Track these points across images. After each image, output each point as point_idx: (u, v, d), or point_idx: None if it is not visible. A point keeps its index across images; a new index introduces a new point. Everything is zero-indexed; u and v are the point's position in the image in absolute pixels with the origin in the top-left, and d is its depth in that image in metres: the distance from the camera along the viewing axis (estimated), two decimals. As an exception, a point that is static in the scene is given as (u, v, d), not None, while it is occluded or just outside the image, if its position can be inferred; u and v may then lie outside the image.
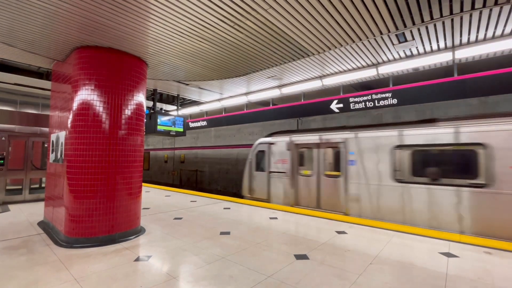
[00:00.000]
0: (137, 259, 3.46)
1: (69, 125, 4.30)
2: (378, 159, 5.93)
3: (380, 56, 5.44)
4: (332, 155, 6.93)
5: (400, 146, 5.69)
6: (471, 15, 3.96)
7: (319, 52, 4.64)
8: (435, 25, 4.24)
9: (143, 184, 10.02)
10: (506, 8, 3.80)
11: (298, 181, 7.40)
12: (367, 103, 7.23)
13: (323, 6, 3.27)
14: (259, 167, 8.42)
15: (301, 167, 7.46)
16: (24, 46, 4.32)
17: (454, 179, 5.10)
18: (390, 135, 5.86)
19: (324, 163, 6.99)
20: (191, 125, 13.41)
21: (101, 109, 4.21)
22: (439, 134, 5.26)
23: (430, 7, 3.50)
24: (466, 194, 4.83)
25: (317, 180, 7.03)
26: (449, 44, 4.99)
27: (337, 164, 6.71)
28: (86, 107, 4.18)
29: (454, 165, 5.24)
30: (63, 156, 4.44)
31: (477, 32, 4.53)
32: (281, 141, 7.84)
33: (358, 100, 7.38)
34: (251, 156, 8.67)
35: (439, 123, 5.41)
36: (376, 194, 5.89)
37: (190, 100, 10.61)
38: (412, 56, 5.52)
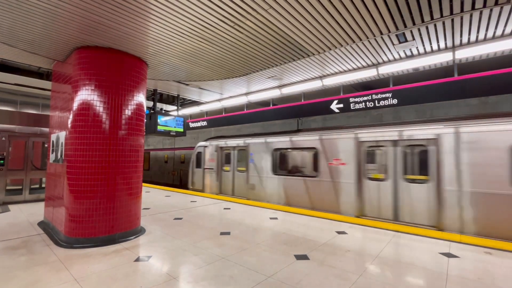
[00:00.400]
0: (137, 259, 3.46)
1: (69, 125, 4.30)
2: (265, 158, 8.22)
3: (380, 56, 5.43)
4: (242, 155, 9.13)
5: (276, 149, 7.97)
6: (471, 15, 3.95)
7: (319, 52, 4.63)
8: (435, 25, 4.23)
9: (143, 184, 10.19)
10: (507, 8, 3.79)
11: (222, 175, 9.77)
12: (367, 103, 7.22)
13: (323, 6, 3.27)
14: (198, 165, 10.76)
15: (226, 164, 9.70)
16: (25, 46, 4.32)
17: (304, 172, 7.44)
18: (271, 141, 8.13)
19: (237, 162, 9.24)
20: (191, 125, 13.39)
21: (101, 109, 4.21)
22: (298, 141, 7.48)
23: (430, 7, 3.49)
24: (309, 182, 7.10)
25: (232, 174, 9.34)
26: (449, 44, 4.99)
27: (244, 162, 8.95)
28: (86, 107, 4.18)
29: (304, 162, 7.46)
30: (63, 156, 4.44)
31: (478, 32, 4.53)
32: (212, 144, 10.19)
33: (358, 100, 7.37)
34: (193, 157, 10.99)
35: (299, 133, 7.65)
36: (265, 183, 8.15)
37: (190, 100, 10.60)
38: (412, 56, 5.52)
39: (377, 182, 5.97)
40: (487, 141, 4.73)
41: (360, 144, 6.27)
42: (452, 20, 4.05)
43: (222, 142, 9.85)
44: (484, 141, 4.76)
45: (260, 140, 8.46)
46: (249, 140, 8.79)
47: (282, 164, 7.94)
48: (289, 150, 7.75)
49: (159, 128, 7.02)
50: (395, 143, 5.83)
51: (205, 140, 10.80)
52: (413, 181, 5.52)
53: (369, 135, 6.18)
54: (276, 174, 7.88)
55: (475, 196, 4.74)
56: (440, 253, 3.72)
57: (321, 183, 6.80)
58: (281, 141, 7.87)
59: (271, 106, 9.95)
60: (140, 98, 4.70)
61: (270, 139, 8.19)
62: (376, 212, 5.92)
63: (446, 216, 5.01)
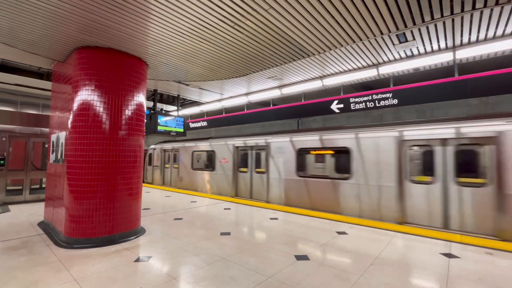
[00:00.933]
0: (137, 260, 3.45)
1: (69, 126, 4.29)
2: (188, 158, 11.11)
3: (380, 56, 5.42)
4: (176, 156, 12.01)
5: (195, 151, 10.87)
6: (472, 15, 3.95)
7: (319, 52, 4.63)
8: (435, 25, 4.23)
9: (143, 184, 10.33)
10: (507, 8, 3.78)
11: (164, 171, 12.72)
12: (368, 103, 7.21)
13: (324, 6, 3.26)
14: (149, 163, 13.68)
15: (167, 163, 12.62)
16: (25, 46, 4.32)
17: (208, 168, 10.24)
18: (190, 145, 11.11)
19: (173, 161, 12.16)
20: (192, 125, 13.40)
21: (101, 109, 4.21)
22: (205, 145, 10.32)
23: (430, 7, 3.48)
24: (210, 174, 9.92)
25: (170, 170, 12.29)
26: (449, 44, 4.98)
27: (177, 161, 11.97)
28: (86, 107, 4.18)
29: (209, 161, 10.34)
30: (63, 156, 4.43)
31: (478, 32, 4.52)
32: (158, 147, 13.24)
33: (359, 101, 7.36)
34: (146, 157, 13.79)
35: (210, 139, 10.32)
36: (187, 176, 11.03)
37: (190, 100, 10.61)
38: (412, 56, 5.51)
39: (243, 174, 8.85)
40: (286, 147, 7.54)
41: (236, 148, 9.06)
42: (453, 20, 4.04)
43: (164, 146, 12.79)
44: (285, 147, 7.56)
45: (186, 144, 11.40)
46: (180, 144, 11.73)
47: (197, 162, 10.98)
48: (201, 152, 10.77)
49: (159, 128, 7.02)
50: (251, 148, 8.70)
51: (155, 144, 13.61)
52: (259, 173, 8.38)
53: (239, 142, 8.98)
54: (193, 169, 10.82)
55: (283, 181, 7.55)
56: (441, 254, 3.71)
57: (216, 175, 9.69)
58: (197, 145, 10.81)
59: (271, 106, 9.95)
60: (140, 98, 4.70)
61: (190, 144, 11.15)
62: (244, 193, 8.70)
63: (270, 193, 7.84)
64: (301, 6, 3.23)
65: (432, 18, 3.76)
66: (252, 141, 8.52)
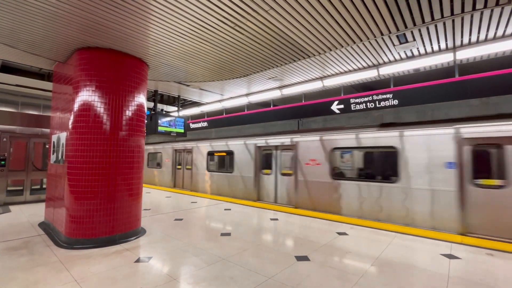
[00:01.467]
0: (138, 260, 3.46)
1: (70, 126, 4.30)
2: (145, 158, 13.40)
3: (381, 57, 5.42)
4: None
5: (151, 153, 13.60)
6: (472, 16, 3.95)
7: (319, 53, 4.63)
8: (436, 26, 4.23)
9: (143, 184, 10.56)
10: (507, 9, 3.78)
11: None
12: (368, 104, 7.20)
13: (324, 7, 3.26)
14: None
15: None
16: (26, 47, 4.33)
17: (159, 165, 12.93)
18: (148, 148, 13.59)
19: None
20: (192, 126, 13.39)
21: (102, 110, 4.21)
22: (155, 149, 13.16)
23: (431, 7, 3.49)
24: (159, 171, 12.65)
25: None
26: (450, 44, 4.98)
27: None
28: (87, 108, 4.19)
29: (159, 160, 13.04)
30: (64, 157, 4.44)
31: (478, 32, 4.52)
32: None
33: (359, 101, 7.35)
34: None
35: (162, 143, 12.81)
36: (146, 173, 13.24)
37: (191, 101, 10.62)
38: (413, 57, 5.51)
39: (180, 170, 11.47)
40: (203, 150, 10.34)
41: (174, 151, 11.93)
42: (453, 20, 4.04)
43: None
44: (202, 150, 10.36)
45: (147, 147, 13.65)
46: (146, 147, 14.08)
47: (150, 161, 13.76)
48: (153, 153, 13.57)
49: (160, 128, 7.03)
50: (183, 150, 11.46)
51: None
52: (187, 169, 11.02)
53: (178, 146, 11.61)
54: (148, 167, 13.49)
55: (201, 175, 10.29)
56: (442, 254, 3.71)
57: (163, 171, 12.44)
58: (150, 148, 13.58)
59: (271, 107, 9.95)
60: (141, 99, 4.70)
61: (148, 147, 13.60)
62: (178, 185, 11.47)
63: (193, 185, 10.53)
64: (302, 7, 3.23)
65: (432, 18, 3.76)
66: (187, 144, 11.20)
